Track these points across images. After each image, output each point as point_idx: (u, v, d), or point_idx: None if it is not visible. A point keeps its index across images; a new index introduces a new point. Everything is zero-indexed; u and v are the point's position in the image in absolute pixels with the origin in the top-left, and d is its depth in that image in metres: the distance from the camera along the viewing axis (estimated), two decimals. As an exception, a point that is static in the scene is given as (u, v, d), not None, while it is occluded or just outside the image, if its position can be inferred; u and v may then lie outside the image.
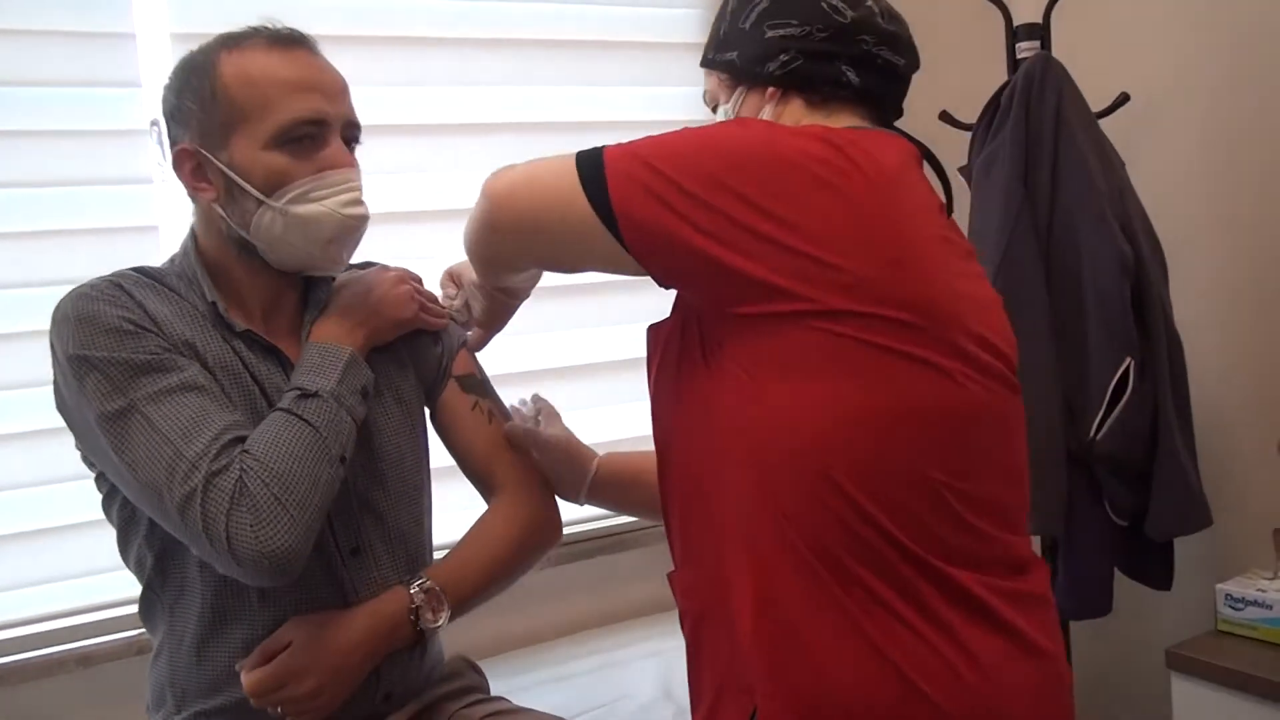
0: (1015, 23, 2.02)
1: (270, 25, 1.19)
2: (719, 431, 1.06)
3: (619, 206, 1.04)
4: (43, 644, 1.60)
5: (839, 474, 1.00)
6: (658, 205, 1.02)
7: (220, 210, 1.17)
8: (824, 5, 1.14)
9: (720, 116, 1.22)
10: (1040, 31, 2.00)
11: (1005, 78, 2.01)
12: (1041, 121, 1.85)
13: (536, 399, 1.53)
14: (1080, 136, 1.85)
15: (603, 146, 1.09)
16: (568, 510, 1.85)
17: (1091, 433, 1.79)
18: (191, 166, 1.17)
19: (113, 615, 1.61)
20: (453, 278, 1.41)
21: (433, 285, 1.40)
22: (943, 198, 1.20)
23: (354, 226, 1.20)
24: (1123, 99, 2.00)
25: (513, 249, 1.20)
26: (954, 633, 1.02)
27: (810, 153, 1.03)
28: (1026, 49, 1.99)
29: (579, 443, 1.44)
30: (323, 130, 1.17)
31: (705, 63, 1.25)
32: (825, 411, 1.01)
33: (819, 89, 1.15)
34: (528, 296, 1.39)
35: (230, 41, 1.17)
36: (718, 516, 1.08)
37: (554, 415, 1.49)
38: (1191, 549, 1.94)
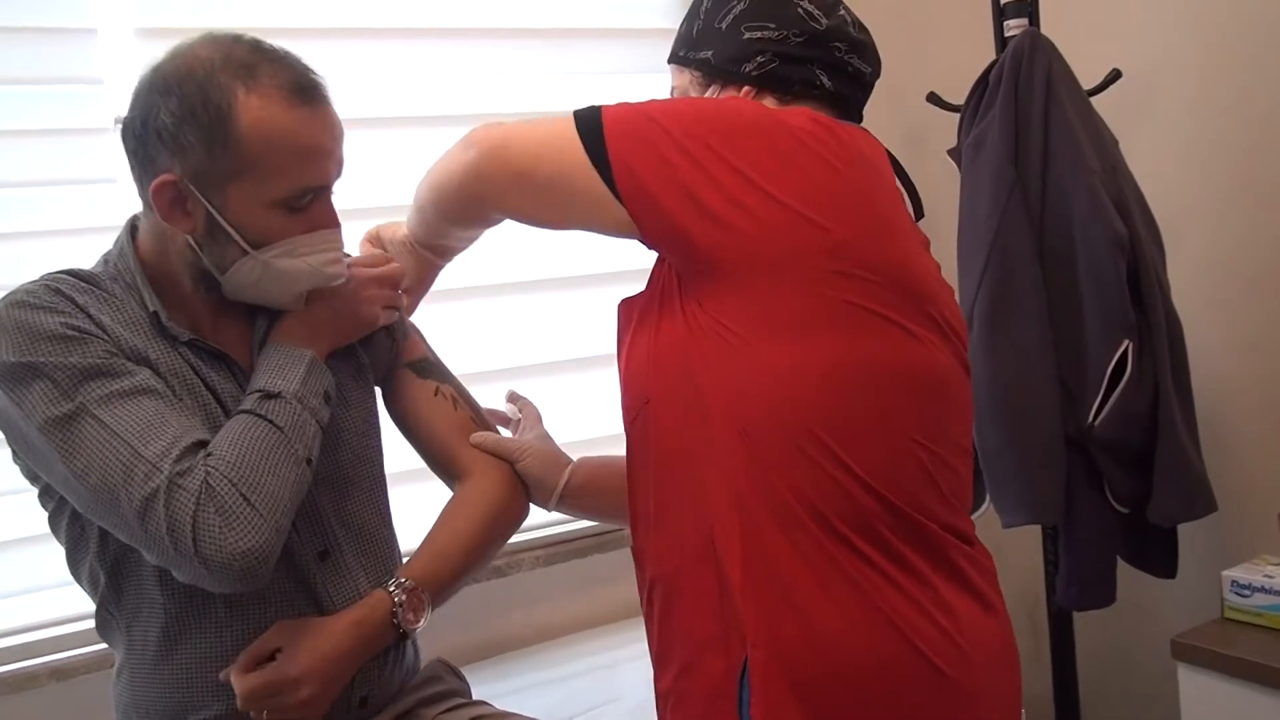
0: (1002, 0, 1.98)
1: (289, 58, 1.11)
2: (702, 389, 1.07)
3: (614, 153, 1.07)
4: (14, 658, 1.56)
5: (824, 430, 1.04)
6: (653, 154, 1.06)
7: (193, 242, 1.12)
8: (800, 10, 1.19)
9: None
10: (1028, 8, 1.96)
11: (993, 56, 1.97)
12: (1031, 100, 1.81)
13: (517, 398, 1.50)
14: (1071, 114, 1.80)
15: (600, 105, 1.12)
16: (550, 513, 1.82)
17: (1090, 418, 1.75)
18: (172, 196, 1.10)
19: (87, 627, 1.56)
20: (372, 240, 1.40)
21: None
22: (909, 204, 1.23)
23: (329, 282, 1.19)
24: (1114, 76, 1.96)
25: (495, 197, 1.20)
26: (935, 589, 1.06)
27: (802, 127, 1.08)
28: (1015, 26, 1.95)
29: (555, 448, 1.41)
30: (321, 191, 1.15)
31: (676, 60, 1.27)
32: (812, 368, 1.04)
33: (791, 89, 1.19)
34: (452, 260, 1.40)
35: (246, 76, 1.07)
36: (699, 474, 1.08)
37: (535, 418, 1.46)
38: (1195, 535, 1.90)
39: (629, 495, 1.19)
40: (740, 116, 1.08)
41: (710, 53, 1.21)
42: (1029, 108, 1.81)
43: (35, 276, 1.14)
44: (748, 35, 1.19)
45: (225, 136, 1.07)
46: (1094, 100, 1.89)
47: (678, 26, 1.28)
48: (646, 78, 2.04)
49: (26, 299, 1.08)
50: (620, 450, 1.22)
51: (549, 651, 1.87)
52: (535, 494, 1.37)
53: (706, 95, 1.22)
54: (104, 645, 1.54)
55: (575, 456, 1.40)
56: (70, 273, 1.15)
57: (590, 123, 1.09)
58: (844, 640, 1.02)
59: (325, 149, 1.13)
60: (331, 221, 1.17)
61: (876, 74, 1.25)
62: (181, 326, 1.15)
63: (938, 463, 1.09)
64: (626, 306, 1.21)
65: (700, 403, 1.07)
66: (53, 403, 1.03)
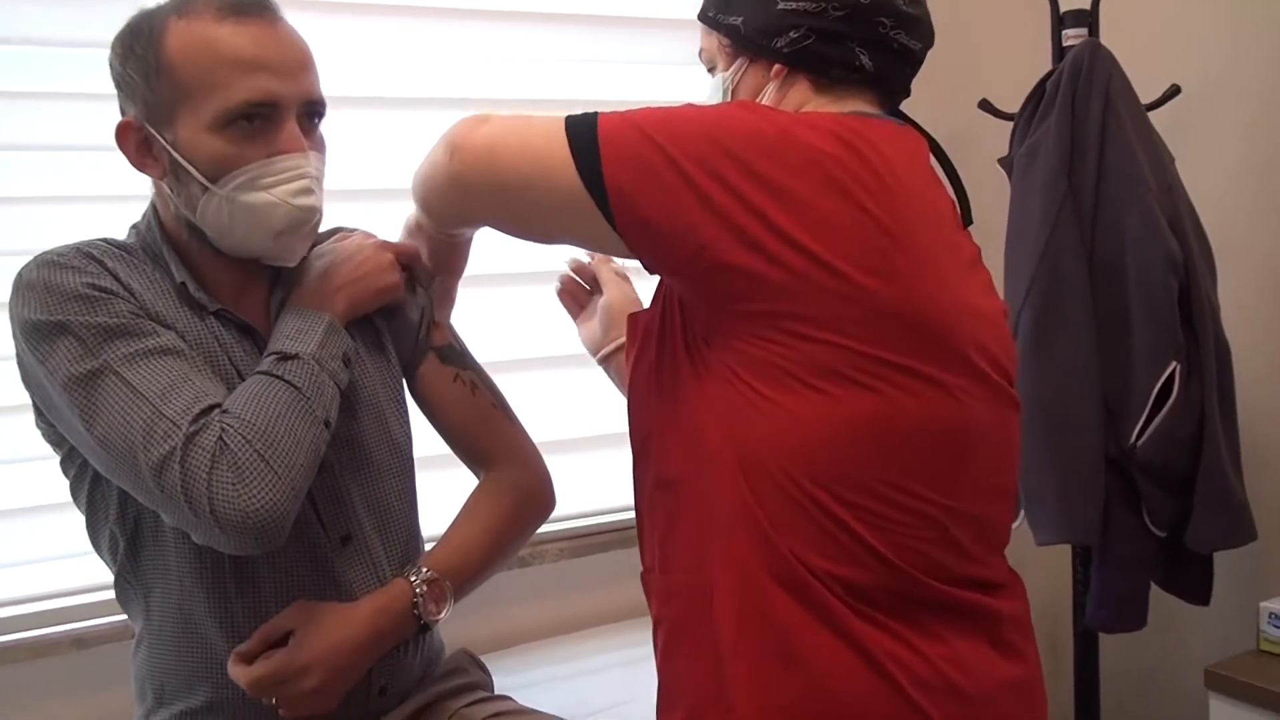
0: (1062, 9, 1.94)
1: None
2: (705, 434, 1.01)
3: (611, 181, 0.97)
4: (36, 624, 1.56)
5: (831, 492, 0.97)
6: (654, 185, 0.96)
7: (168, 189, 1.11)
8: None
9: (716, 83, 1.16)
10: (1089, 18, 1.92)
11: (1050, 66, 1.93)
12: (1088, 112, 1.77)
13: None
14: (1129, 128, 1.76)
15: (595, 113, 1.01)
16: (581, 504, 1.80)
17: (1133, 439, 1.72)
18: (137, 141, 1.09)
19: (108, 597, 1.55)
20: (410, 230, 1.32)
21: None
22: (952, 194, 1.14)
23: (304, 219, 1.11)
24: (1173, 91, 1.92)
25: (478, 210, 1.13)
26: (948, 643, 1.00)
27: (824, 150, 0.97)
28: (1073, 36, 1.91)
29: (638, 308, 1.35)
30: (274, 112, 1.07)
31: (706, 20, 1.17)
32: (821, 422, 0.97)
33: (828, 71, 1.09)
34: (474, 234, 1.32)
35: (181, 6, 1.07)
36: (700, 522, 1.03)
37: (625, 278, 1.40)
38: (1232, 564, 1.86)
39: (637, 523, 1.14)
40: (756, 140, 0.97)
41: (740, 19, 1.11)
42: (1086, 120, 1.77)
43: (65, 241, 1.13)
44: (782, 5, 1.07)
45: (158, 63, 1.06)
46: (1151, 115, 1.85)
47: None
48: (682, 70, 2.01)
49: (56, 259, 1.07)
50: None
51: (568, 645, 1.85)
52: (602, 333, 1.33)
53: (734, 66, 1.13)
54: (124, 616, 1.55)
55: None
56: (103, 239, 1.14)
57: (584, 142, 0.99)
58: (846, 701, 0.97)
59: (262, 60, 1.06)
60: (294, 146, 1.08)
61: (929, 46, 1.13)
62: (208, 299, 1.14)
63: (956, 517, 1.02)
64: (632, 322, 1.14)
65: (702, 451, 1.01)
66: (77, 360, 1.02)
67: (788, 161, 0.96)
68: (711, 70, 1.18)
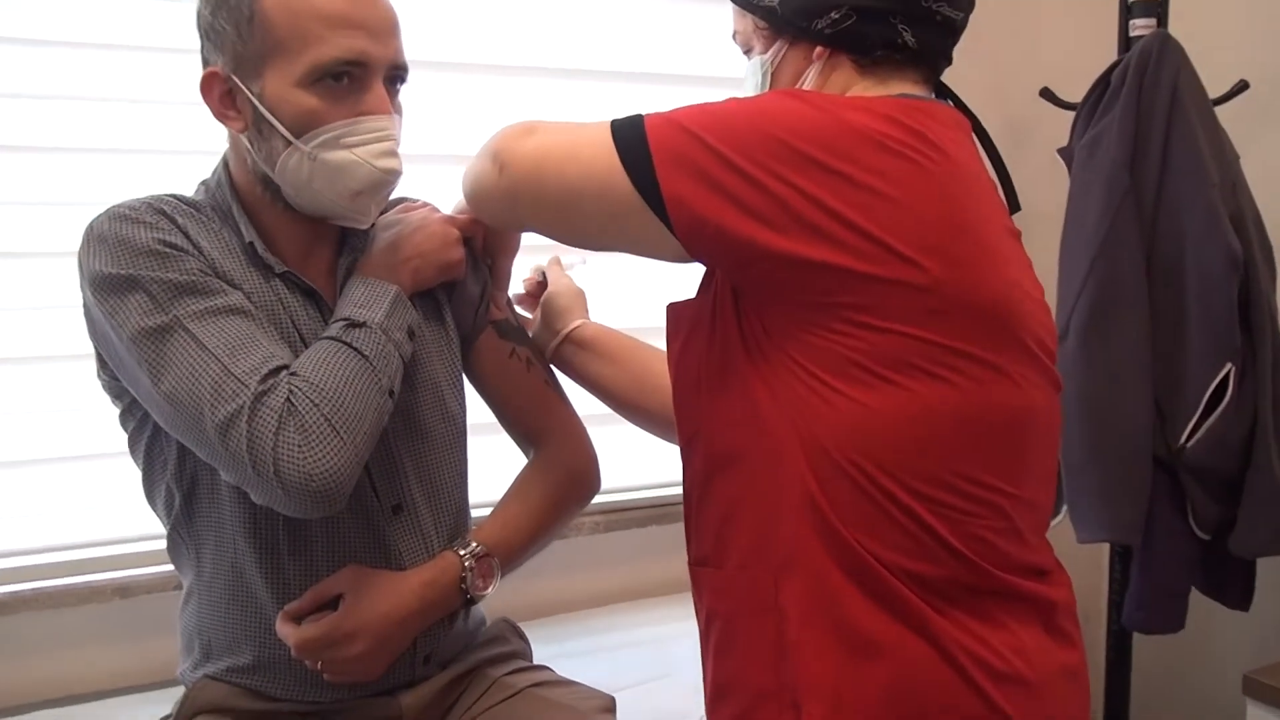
0: (1130, -2, 1.90)
1: None
2: (767, 425, 1.00)
3: (668, 189, 0.96)
4: (81, 570, 1.57)
5: (901, 483, 0.96)
6: (711, 187, 0.94)
7: (247, 143, 1.10)
8: None
9: (755, 66, 1.14)
10: (1158, 8, 1.88)
11: (1115, 56, 1.89)
12: (1154, 105, 1.74)
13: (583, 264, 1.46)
14: (1195, 124, 1.73)
15: (641, 116, 1.00)
16: (618, 480, 1.80)
17: (1183, 439, 1.70)
18: (221, 92, 1.09)
19: (153, 548, 1.57)
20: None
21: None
22: (993, 175, 1.12)
23: (385, 180, 1.11)
24: (1241, 86, 1.88)
25: (530, 221, 1.13)
26: (1011, 630, 1.00)
27: (882, 132, 0.96)
28: (1142, 26, 1.87)
29: (582, 302, 1.39)
30: (363, 72, 1.07)
31: (739, 2, 1.14)
32: (890, 413, 0.95)
33: (871, 51, 1.06)
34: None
35: None
36: (762, 513, 1.02)
37: (579, 292, 1.42)
38: (1275, 569, 1.84)
39: (685, 513, 1.13)
40: (808, 128, 0.95)
41: (777, 1, 1.08)
42: (1151, 113, 1.73)
43: (134, 193, 1.13)
44: None
45: (251, 13, 1.05)
46: (1217, 110, 1.81)
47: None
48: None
49: (128, 213, 1.07)
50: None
51: (601, 618, 1.86)
52: (547, 327, 1.35)
53: (773, 49, 1.10)
54: (167, 567, 1.56)
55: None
56: (174, 195, 1.14)
57: (635, 150, 0.97)
58: (925, 695, 0.97)
59: (356, 20, 1.06)
60: (381, 108, 1.08)
61: (969, 13, 1.09)
62: (275, 260, 1.14)
63: (1018, 505, 1.02)
64: (674, 313, 1.12)
65: (765, 444, 1.00)
66: (147, 314, 1.02)
67: (844, 147, 0.94)
68: (747, 53, 1.16)
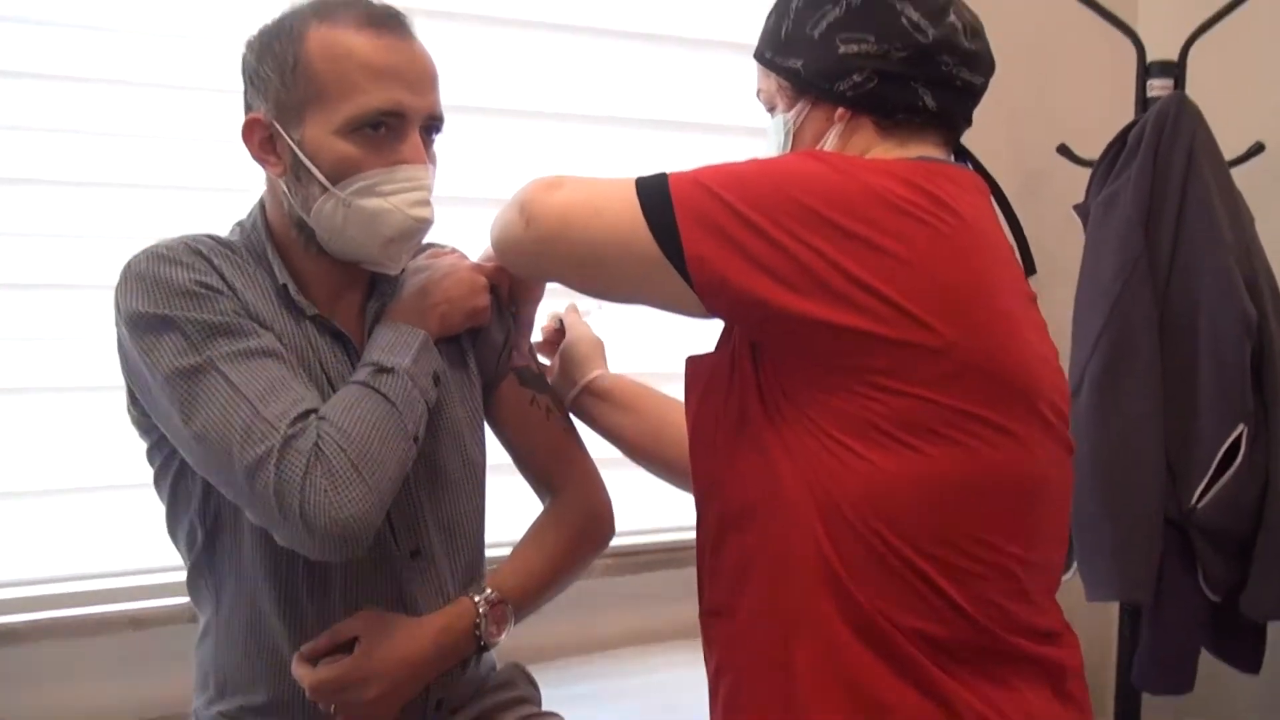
0: (1149, 58, 1.93)
1: (370, 1, 1.13)
2: (782, 482, 1.01)
3: (691, 248, 0.98)
4: (95, 601, 1.58)
5: (913, 538, 0.97)
6: (732, 248, 0.97)
7: (284, 188, 1.13)
8: (904, 21, 1.06)
9: (778, 125, 1.16)
10: (1175, 70, 1.90)
11: (1132, 115, 1.92)
12: (1170, 165, 1.76)
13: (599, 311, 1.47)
14: (1211, 185, 1.75)
15: (665, 174, 1.02)
16: (636, 522, 1.80)
17: (1194, 500, 1.70)
18: (262, 137, 1.12)
19: (168, 580, 1.58)
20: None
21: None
22: (1010, 237, 1.14)
23: (417, 228, 1.13)
24: (1257, 149, 1.90)
25: (555, 274, 1.16)
26: (1019, 692, 1.01)
27: (902, 197, 0.98)
28: (1159, 87, 1.90)
29: (600, 352, 1.40)
30: (400, 122, 1.10)
31: (763, 61, 1.17)
32: (905, 476, 0.97)
33: (892, 113, 1.09)
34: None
35: (323, 11, 1.11)
36: (775, 569, 1.03)
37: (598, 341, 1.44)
38: (1285, 632, 1.84)
39: (698, 565, 1.14)
40: (829, 191, 0.97)
41: (800, 62, 1.11)
42: (1168, 174, 1.75)
43: (163, 230, 1.17)
44: (843, 49, 1.07)
45: (295, 61, 1.08)
46: (1233, 172, 1.83)
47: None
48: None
49: (166, 253, 1.09)
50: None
51: (611, 663, 1.85)
52: (565, 377, 1.36)
53: (795, 109, 1.13)
54: (183, 599, 1.56)
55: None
56: (210, 236, 1.17)
57: (658, 208, 0.99)
58: None
59: (396, 71, 1.09)
60: (417, 158, 1.11)
61: (989, 79, 1.13)
62: (306, 302, 1.16)
63: (1029, 568, 1.03)
64: (693, 366, 1.14)
65: (780, 501, 1.01)
66: (181, 354, 1.04)
67: (863, 211, 0.96)
68: (771, 110, 1.18)
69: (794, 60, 1.12)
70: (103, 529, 1.61)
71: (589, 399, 1.36)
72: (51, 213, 1.57)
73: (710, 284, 0.98)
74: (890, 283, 0.95)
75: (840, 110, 1.10)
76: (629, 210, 1.01)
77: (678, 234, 0.98)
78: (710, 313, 1.03)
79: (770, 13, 1.18)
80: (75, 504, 1.61)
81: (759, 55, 1.18)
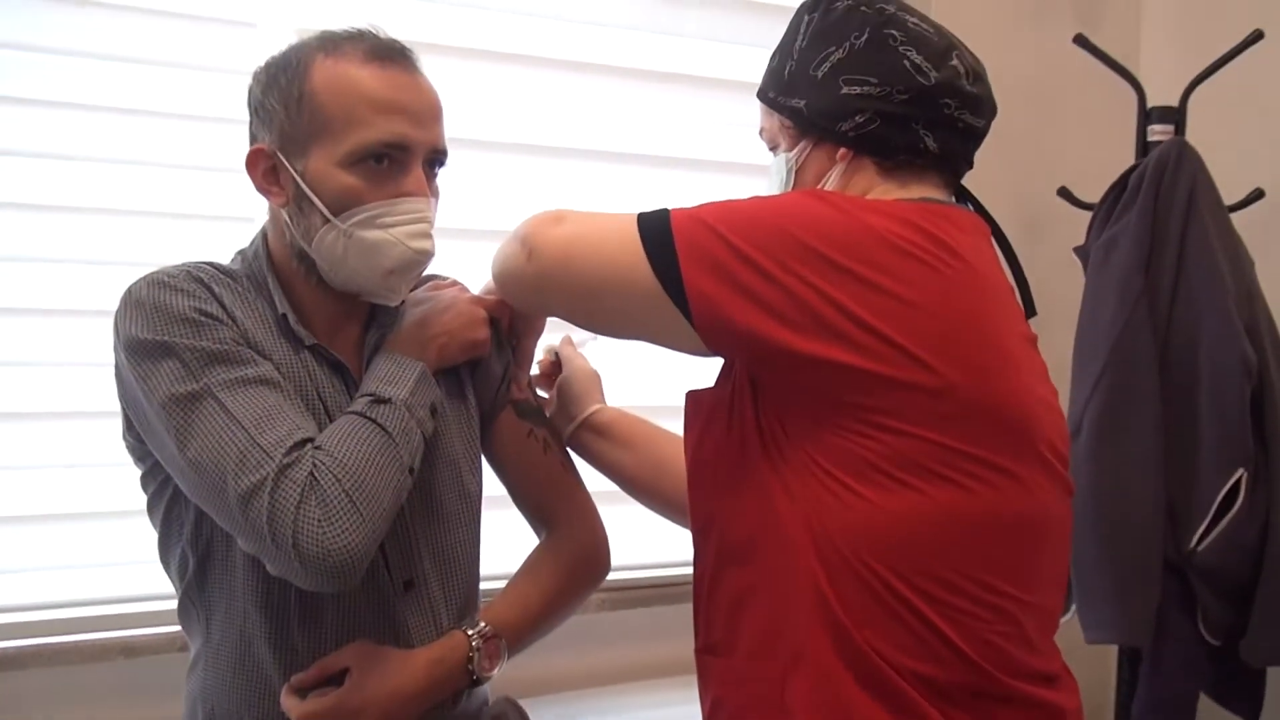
0: (1150, 104, 1.94)
1: (375, 32, 1.14)
2: (780, 519, 1.01)
3: (691, 285, 0.99)
4: (88, 629, 1.57)
5: (911, 577, 0.97)
6: (733, 285, 0.97)
7: (286, 218, 1.13)
8: (906, 64, 1.07)
9: (780, 163, 1.17)
10: (1175, 115, 1.92)
11: (1133, 159, 1.94)
12: (1171, 210, 1.77)
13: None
14: (1210, 230, 1.76)
15: (667, 210, 1.03)
16: (632, 556, 1.80)
17: (1193, 543, 1.70)
18: (266, 168, 1.13)
19: (161, 608, 1.57)
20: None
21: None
22: (1011, 279, 1.15)
23: (417, 260, 1.14)
24: (1256, 195, 1.91)
25: (556, 309, 1.16)
26: None
27: (903, 237, 0.98)
28: (1160, 132, 1.91)
29: (598, 386, 1.39)
30: (404, 155, 1.11)
31: (766, 101, 1.18)
32: (904, 515, 0.97)
33: (893, 154, 1.09)
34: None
35: (329, 45, 1.12)
36: (772, 607, 1.03)
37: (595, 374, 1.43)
38: (1284, 679, 1.83)
39: (695, 600, 1.14)
40: (830, 231, 0.98)
41: (803, 102, 1.12)
42: (1168, 218, 1.76)
43: (161, 257, 1.17)
44: (845, 90, 1.08)
45: (300, 94, 1.09)
46: (1233, 217, 1.84)
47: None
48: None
49: (167, 280, 1.10)
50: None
51: (603, 698, 1.84)
52: (563, 411, 1.35)
53: (798, 148, 1.14)
54: (174, 627, 1.55)
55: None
56: (211, 264, 1.17)
57: (660, 245, 1.00)
58: None
59: (400, 105, 1.09)
60: (419, 190, 1.11)
61: (991, 121, 1.15)
62: (305, 332, 1.16)
63: (1028, 610, 1.03)
64: (693, 401, 1.14)
65: (778, 538, 1.01)
66: (179, 381, 1.04)
67: (864, 250, 0.97)
68: (773, 149, 1.19)
69: (797, 100, 1.13)
70: (95, 555, 1.61)
71: (587, 434, 1.36)
72: (54, 238, 1.58)
73: (710, 321, 0.99)
74: (890, 322, 0.95)
75: (842, 150, 1.11)
76: (631, 245, 1.02)
77: (679, 270, 0.99)
78: (710, 349, 1.04)
79: (774, 53, 1.19)
80: (68, 531, 1.61)
81: (762, 95, 1.19)
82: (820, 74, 1.10)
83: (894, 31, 1.08)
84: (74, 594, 1.59)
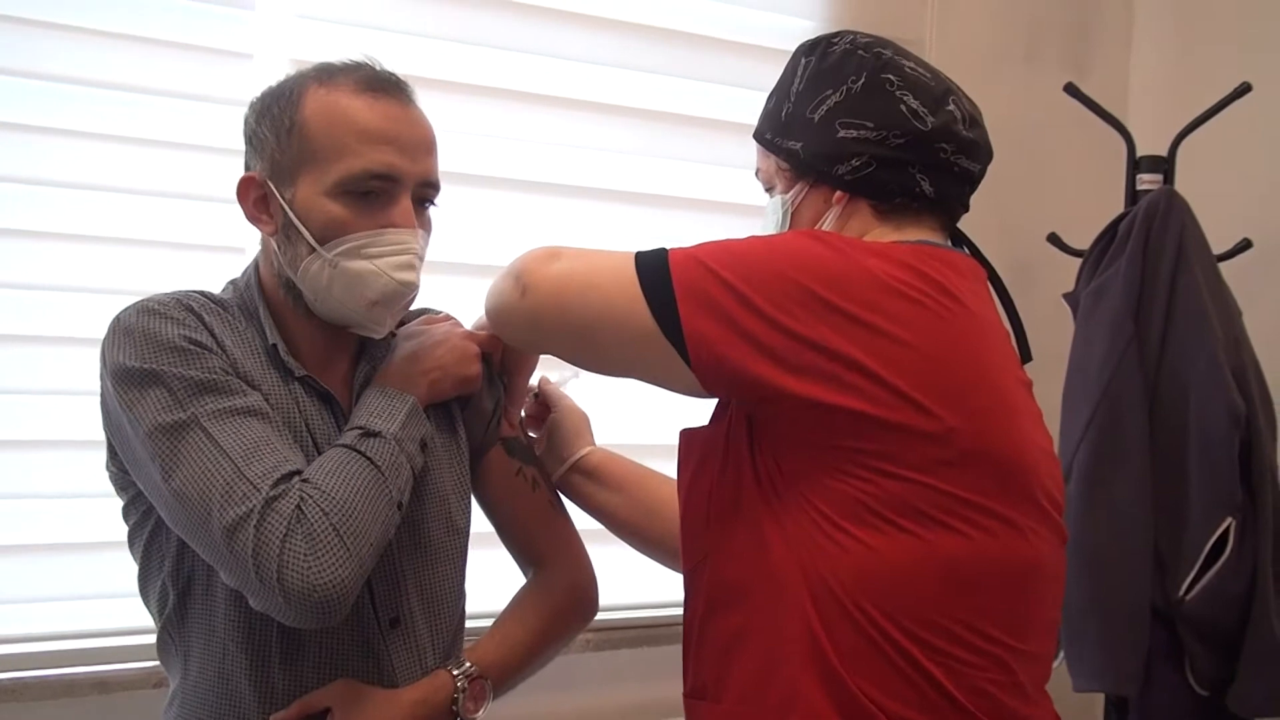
0: (1139, 153, 1.96)
1: (372, 64, 1.14)
2: (774, 561, 1.00)
3: (689, 326, 0.98)
4: (59, 663, 1.53)
5: (905, 623, 0.96)
6: (730, 327, 0.97)
7: (275, 247, 1.13)
8: (903, 109, 1.07)
9: (776, 204, 1.17)
10: (1165, 164, 1.94)
11: (1122, 207, 1.95)
12: (1160, 258, 1.78)
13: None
14: (1199, 279, 1.78)
15: (664, 250, 1.03)
16: (621, 596, 1.78)
17: (1182, 591, 1.69)
18: (256, 196, 1.13)
19: (135, 643, 1.54)
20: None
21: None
22: (1007, 324, 1.15)
23: (401, 292, 1.12)
24: (1244, 245, 1.93)
25: (550, 346, 1.15)
26: None
27: (900, 280, 0.98)
28: (1149, 181, 1.93)
29: (587, 426, 1.37)
30: (392, 186, 1.10)
31: (763, 142, 1.18)
32: (900, 560, 0.96)
33: (890, 197, 1.09)
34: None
35: (323, 75, 1.12)
36: (764, 651, 1.01)
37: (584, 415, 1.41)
38: (1273, 730, 1.81)
39: (684, 643, 1.12)
40: (828, 274, 0.97)
41: (800, 145, 1.11)
42: (1158, 266, 1.78)
43: (152, 285, 1.16)
44: (842, 134, 1.08)
45: (291, 124, 1.09)
46: (1221, 266, 1.86)
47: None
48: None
49: (157, 308, 1.09)
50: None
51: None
52: (553, 454, 1.34)
53: (794, 190, 1.14)
54: (149, 663, 1.53)
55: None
56: (202, 293, 1.16)
57: (657, 285, 0.99)
58: None
59: (389, 136, 1.09)
60: (405, 222, 1.10)
61: (987, 166, 1.14)
62: (295, 363, 1.15)
63: (1021, 658, 1.01)
64: (687, 439, 1.13)
65: (771, 580, 1.00)
66: (166, 410, 1.03)
67: (861, 293, 0.96)
68: (769, 190, 1.19)
69: (793, 142, 1.13)
70: (67, 589, 1.58)
71: (577, 477, 1.35)
72: (47, 265, 1.57)
73: (708, 362, 0.98)
74: (888, 366, 0.95)
75: (838, 193, 1.10)
76: (628, 285, 1.01)
77: (676, 311, 0.98)
78: (707, 390, 1.03)
79: (771, 94, 1.19)
80: (38, 562, 1.58)
81: (759, 136, 1.19)
82: (817, 117, 1.10)
83: (891, 76, 1.08)
84: (44, 627, 1.56)
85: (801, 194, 1.14)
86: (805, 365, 0.95)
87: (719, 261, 0.99)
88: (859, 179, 1.09)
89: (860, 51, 1.10)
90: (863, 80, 1.09)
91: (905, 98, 1.07)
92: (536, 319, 1.09)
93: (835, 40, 1.13)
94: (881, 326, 0.95)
